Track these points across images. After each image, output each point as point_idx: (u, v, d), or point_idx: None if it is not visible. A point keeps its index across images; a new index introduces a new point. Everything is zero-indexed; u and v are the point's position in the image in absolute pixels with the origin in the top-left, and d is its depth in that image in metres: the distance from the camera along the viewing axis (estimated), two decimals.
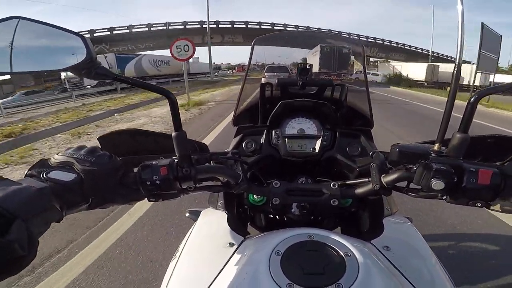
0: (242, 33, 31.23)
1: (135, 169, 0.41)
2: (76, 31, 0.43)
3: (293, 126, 0.70)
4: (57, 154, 0.39)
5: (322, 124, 0.70)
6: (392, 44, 34.32)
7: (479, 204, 0.39)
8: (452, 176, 0.37)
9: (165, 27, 28.40)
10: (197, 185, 0.44)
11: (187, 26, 29.13)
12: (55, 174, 0.35)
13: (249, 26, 31.49)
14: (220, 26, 30.66)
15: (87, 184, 0.36)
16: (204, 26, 24.92)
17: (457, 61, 0.37)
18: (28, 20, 0.42)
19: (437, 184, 0.37)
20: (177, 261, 0.46)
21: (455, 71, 0.38)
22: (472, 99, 0.35)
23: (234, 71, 64.47)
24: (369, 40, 32.36)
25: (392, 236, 0.48)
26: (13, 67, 0.43)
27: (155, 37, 27.52)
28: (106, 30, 26.20)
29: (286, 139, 0.69)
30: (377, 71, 25.71)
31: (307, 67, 0.73)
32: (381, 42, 33.44)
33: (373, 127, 0.72)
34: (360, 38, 31.19)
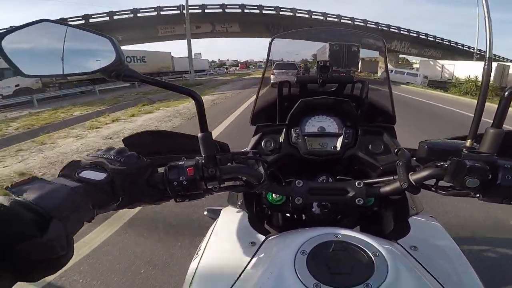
0: (238, 20, 30.21)
1: (160, 170, 0.53)
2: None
3: (313, 124, 0.85)
4: (87, 155, 0.51)
5: (343, 121, 0.84)
6: (428, 38, 34.73)
7: None
8: (486, 173, 0.45)
9: (132, 15, 27.44)
10: (221, 185, 0.57)
11: (162, 13, 28.06)
12: (87, 174, 0.46)
13: (246, 10, 29.81)
14: (206, 11, 29.13)
15: (117, 183, 0.48)
16: (185, 11, 23.13)
17: (487, 56, 0.50)
18: (56, 23, 0.56)
19: (472, 182, 0.45)
20: (200, 259, 0.57)
21: (485, 66, 0.50)
22: (507, 93, 0.42)
23: (236, 68, 73.52)
24: (401, 32, 33.18)
25: (419, 235, 0.59)
26: (40, 69, 0.57)
27: (123, 28, 26.81)
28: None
29: (306, 138, 0.83)
30: (416, 71, 25.40)
31: (327, 64, 0.89)
32: (415, 35, 34.09)
33: (395, 123, 0.85)
34: (391, 30, 32.18)
